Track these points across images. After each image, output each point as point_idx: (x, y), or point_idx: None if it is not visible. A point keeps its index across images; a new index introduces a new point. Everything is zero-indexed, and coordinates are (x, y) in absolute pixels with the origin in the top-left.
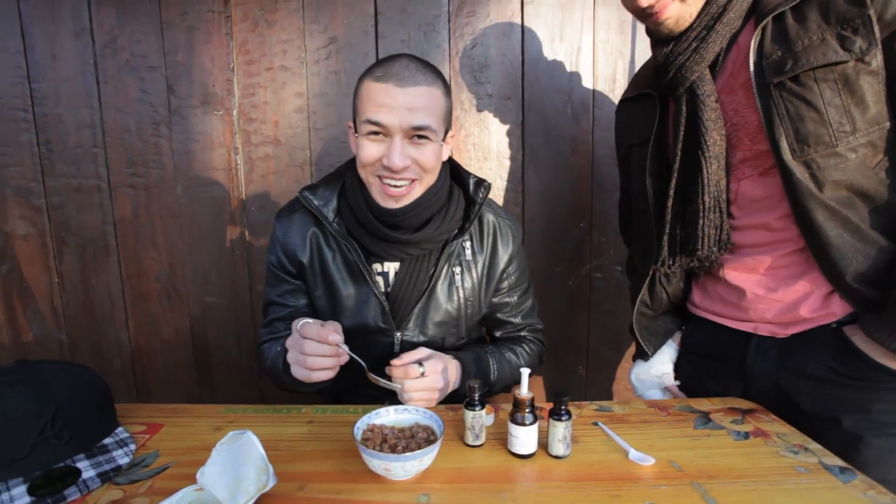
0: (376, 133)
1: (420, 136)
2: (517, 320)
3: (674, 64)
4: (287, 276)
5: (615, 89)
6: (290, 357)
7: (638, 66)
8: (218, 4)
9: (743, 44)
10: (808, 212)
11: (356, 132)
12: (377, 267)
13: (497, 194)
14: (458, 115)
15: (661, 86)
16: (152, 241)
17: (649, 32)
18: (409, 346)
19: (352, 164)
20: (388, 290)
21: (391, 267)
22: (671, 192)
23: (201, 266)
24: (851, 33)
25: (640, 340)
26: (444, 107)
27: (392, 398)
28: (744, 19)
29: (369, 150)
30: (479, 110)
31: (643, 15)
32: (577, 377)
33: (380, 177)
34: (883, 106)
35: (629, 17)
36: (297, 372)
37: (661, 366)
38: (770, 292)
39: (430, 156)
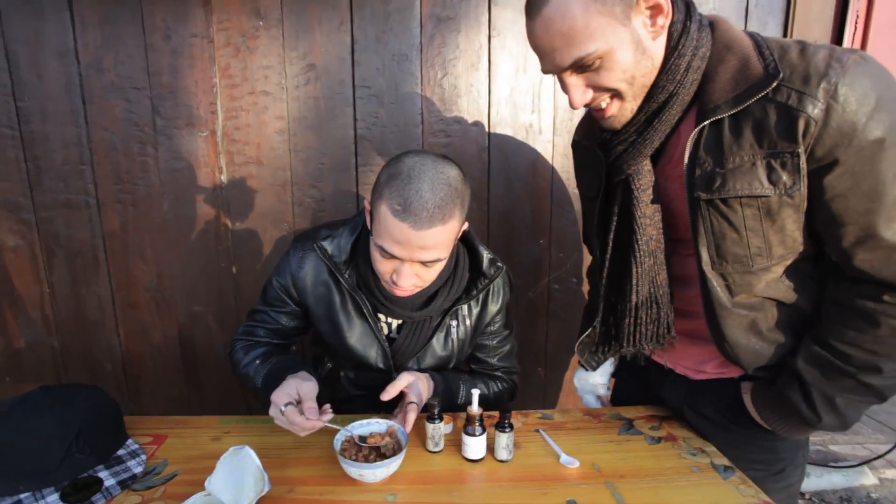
0: (389, 257)
1: (430, 263)
2: (493, 361)
3: (613, 152)
4: (289, 301)
5: (573, 118)
6: (278, 422)
7: None
8: (201, 29)
9: (683, 134)
10: (717, 317)
11: (371, 232)
12: (383, 316)
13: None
14: (427, 139)
15: (606, 161)
16: (141, 254)
17: None
18: None
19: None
20: (391, 335)
21: (395, 321)
22: (603, 283)
23: (189, 277)
24: (779, 167)
25: (583, 363)
26: (458, 228)
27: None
28: (688, 106)
29: (381, 265)
30: (447, 136)
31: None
32: (537, 377)
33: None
34: (800, 234)
35: None
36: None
37: (597, 377)
38: (685, 347)
39: (435, 274)
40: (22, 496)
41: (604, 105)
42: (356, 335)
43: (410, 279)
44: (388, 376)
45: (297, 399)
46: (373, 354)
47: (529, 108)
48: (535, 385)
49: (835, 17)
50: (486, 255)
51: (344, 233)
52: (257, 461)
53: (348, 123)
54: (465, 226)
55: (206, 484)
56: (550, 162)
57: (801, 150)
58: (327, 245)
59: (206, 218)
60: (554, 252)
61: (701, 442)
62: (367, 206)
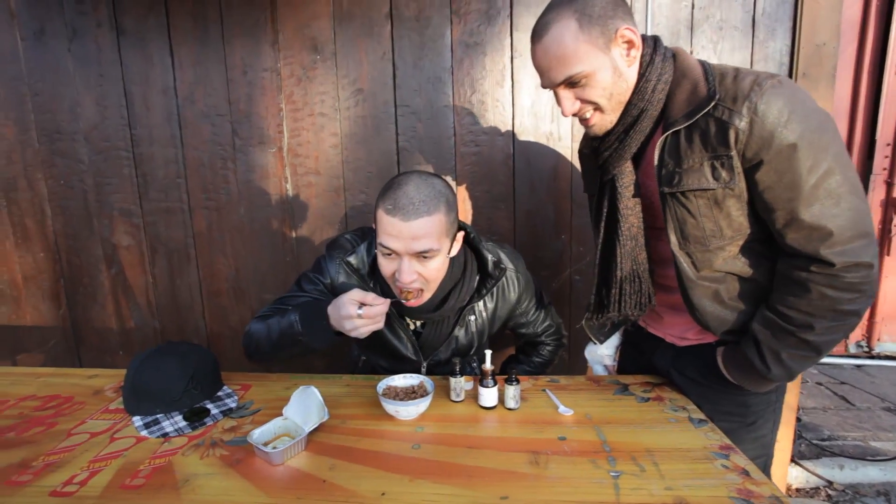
0: (389, 253)
1: (425, 255)
2: (535, 329)
3: (601, 157)
4: (325, 291)
5: None
6: (357, 330)
7: None
8: (271, 63)
9: (656, 143)
10: (687, 290)
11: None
12: (407, 318)
13: (493, 214)
14: (459, 149)
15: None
16: (222, 251)
17: None
18: (432, 367)
19: None
20: (417, 329)
21: (418, 322)
22: (597, 261)
23: (260, 269)
24: (720, 166)
25: (591, 336)
26: (445, 224)
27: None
28: (658, 121)
29: (385, 266)
30: (477, 146)
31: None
32: (561, 360)
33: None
34: (745, 219)
35: None
36: (357, 331)
37: (604, 349)
38: (671, 318)
39: (433, 270)
40: (158, 415)
41: (588, 115)
42: (388, 332)
43: (411, 274)
44: (418, 365)
45: (360, 303)
46: (402, 347)
47: (549, 118)
48: (558, 370)
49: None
50: (490, 259)
51: (362, 247)
52: (320, 397)
53: (391, 137)
54: (461, 234)
55: (283, 411)
56: (570, 165)
57: (735, 153)
58: (352, 260)
59: (275, 220)
60: (574, 246)
61: (684, 401)
62: (374, 225)
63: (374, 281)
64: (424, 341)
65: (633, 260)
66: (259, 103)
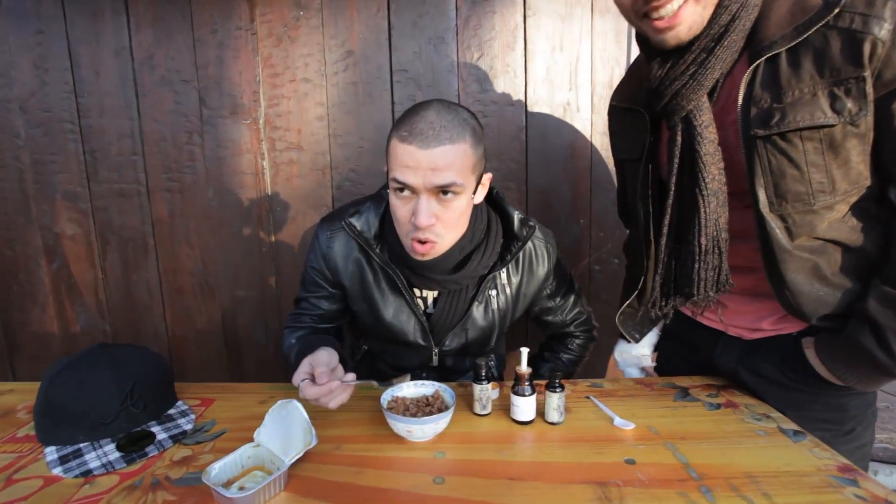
0: (403, 190)
1: (446, 192)
2: (563, 317)
3: (669, 90)
4: (325, 284)
5: (611, 94)
6: (312, 402)
7: None
8: (245, 22)
9: (737, 78)
10: (777, 262)
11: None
12: (418, 291)
13: (502, 194)
14: None
15: (652, 108)
16: (187, 240)
17: (644, 44)
18: (445, 355)
19: None
20: (428, 310)
21: (430, 293)
22: (665, 230)
23: (231, 262)
24: (844, 94)
25: (625, 334)
26: (471, 158)
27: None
28: (741, 50)
29: (400, 209)
30: (485, 116)
31: (647, 23)
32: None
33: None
34: (865, 167)
35: (625, 26)
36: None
37: (641, 348)
38: (739, 305)
39: (455, 213)
40: (81, 445)
41: (676, 6)
42: (392, 311)
43: (429, 217)
44: (428, 353)
45: (311, 373)
46: (411, 330)
47: (566, 87)
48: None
49: None
50: (516, 216)
51: (370, 208)
52: (305, 414)
53: (386, 107)
54: (489, 177)
55: (254, 435)
56: (589, 140)
57: (868, 73)
58: (355, 221)
59: (249, 204)
60: (594, 232)
61: (765, 408)
62: (386, 168)
63: (383, 244)
64: (436, 320)
65: (715, 224)
66: (231, 67)
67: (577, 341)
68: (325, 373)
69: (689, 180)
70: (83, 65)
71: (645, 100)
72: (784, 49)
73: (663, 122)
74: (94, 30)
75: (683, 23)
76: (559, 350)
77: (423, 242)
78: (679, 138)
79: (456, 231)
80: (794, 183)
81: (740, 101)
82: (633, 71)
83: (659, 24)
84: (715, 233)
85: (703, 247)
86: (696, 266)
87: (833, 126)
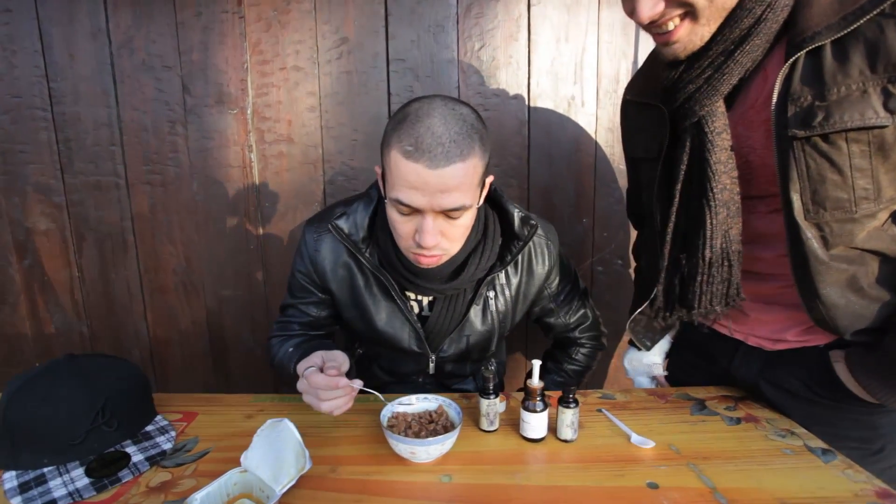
0: (408, 212)
1: (453, 212)
2: (567, 320)
3: (682, 92)
4: (314, 289)
5: (618, 90)
6: (306, 399)
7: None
8: (232, 5)
9: (770, 73)
10: (811, 273)
11: (385, 195)
12: (411, 294)
13: (503, 191)
14: None
15: (669, 108)
16: (169, 236)
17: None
18: (442, 362)
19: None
20: (423, 312)
21: (425, 297)
22: (668, 238)
23: (217, 260)
24: None
25: (636, 341)
26: (480, 170)
27: (413, 390)
28: (773, 41)
29: (401, 226)
30: (486, 110)
31: (649, 30)
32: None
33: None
34: None
35: None
36: (315, 408)
37: (652, 356)
38: (760, 314)
39: (461, 229)
40: (45, 470)
41: (672, 26)
42: (385, 317)
43: (435, 237)
44: (424, 360)
45: (320, 366)
46: (405, 337)
47: (571, 80)
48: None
49: None
50: (517, 215)
51: (359, 208)
52: (298, 435)
53: (382, 98)
54: (490, 179)
55: (241, 460)
56: (594, 137)
57: None
58: (343, 224)
59: (236, 198)
60: (598, 232)
61: (788, 423)
62: (378, 171)
63: (372, 247)
64: (432, 326)
65: (725, 235)
66: (217, 53)
67: (583, 350)
68: (335, 366)
69: (697, 188)
70: (55, 47)
71: (663, 95)
72: (829, 41)
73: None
74: (67, 9)
75: (679, 41)
76: (563, 360)
77: (427, 257)
78: (688, 145)
79: (461, 241)
80: (834, 189)
81: (775, 98)
82: (651, 62)
83: (658, 38)
84: (724, 244)
85: (708, 259)
86: (699, 279)
87: (885, 127)
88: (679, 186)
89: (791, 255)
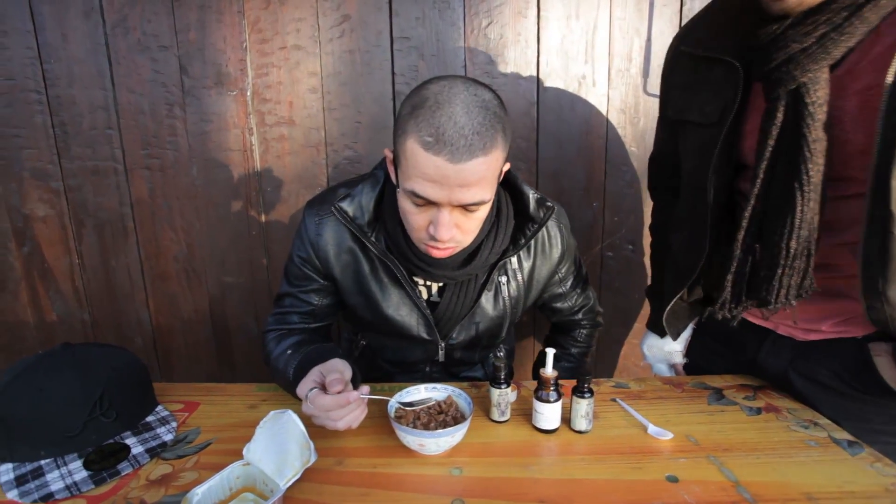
0: (423, 204)
1: (472, 206)
2: (571, 303)
3: (782, 52)
4: (315, 275)
5: (630, 68)
6: (317, 422)
7: (654, 44)
8: None
9: (885, 31)
10: (886, 271)
11: (397, 184)
12: (420, 279)
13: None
14: None
15: (758, 69)
16: (169, 222)
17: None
18: (452, 350)
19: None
20: (431, 298)
21: (435, 283)
22: (744, 223)
23: (218, 246)
24: None
25: (668, 330)
26: (501, 161)
27: (420, 379)
28: None
29: (414, 217)
30: (494, 88)
31: None
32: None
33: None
34: None
35: None
36: (331, 428)
37: (673, 343)
38: (797, 304)
39: (477, 221)
40: (42, 462)
41: None
42: (393, 304)
43: (450, 230)
44: (433, 347)
45: (321, 383)
46: (413, 324)
47: (582, 59)
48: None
49: None
50: (532, 196)
51: (364, 190)
52: (302, 427)
53: (386, 78)
54: (507, 167)
55: (244, 452)
56: (605, 117)
57: None
58: (347, 206)
59: (237, 183)
60: (608, 216)
61: (810, 413)
62: (388, 154)
63: (379, 232)
64: (442, 313)
65: (811, 224)
66: (214, 32)
67: (584, 331)
68: (338, 380)
69: (787, 171)
70: (48, 27)
71: (742, 48)
72: None
73: (756, 85)
74: None
75: None
76: (567, 345)
77: (440, 249)
78: (780, 115)
79: (476, 233)
80: None
81: (894, 67)
82: (722, 9)
83: None
84: (808, 234)
85: (793, 251)
86: (780, 272)
87: None
88: (764, 165)
89: (864, 248)
